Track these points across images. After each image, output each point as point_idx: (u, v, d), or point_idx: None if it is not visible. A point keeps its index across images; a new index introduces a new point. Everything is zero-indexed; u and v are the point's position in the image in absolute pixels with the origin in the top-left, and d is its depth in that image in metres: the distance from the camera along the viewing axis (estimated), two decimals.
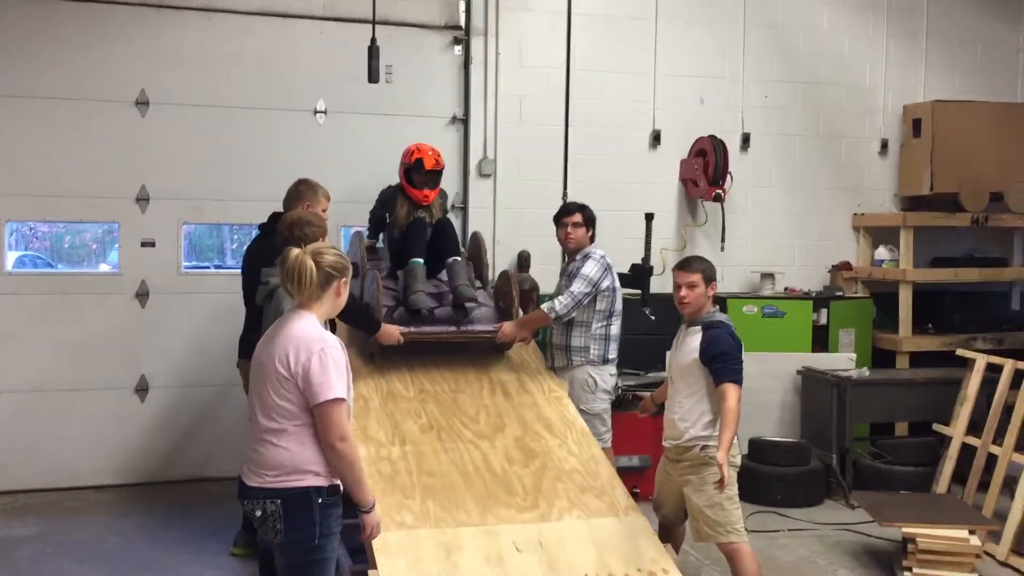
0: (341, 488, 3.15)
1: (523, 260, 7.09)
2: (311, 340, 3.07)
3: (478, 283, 5.58)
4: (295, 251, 3.17)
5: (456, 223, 6.93)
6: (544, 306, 5.19)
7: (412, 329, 5.01)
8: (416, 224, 5.49)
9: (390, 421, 4.64)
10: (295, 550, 3.09)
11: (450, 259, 5.36)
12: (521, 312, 5.35)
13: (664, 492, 4.48)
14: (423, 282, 5.20)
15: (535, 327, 5.37)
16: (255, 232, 5.33)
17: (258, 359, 3.19)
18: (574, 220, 5.36)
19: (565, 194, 7.24)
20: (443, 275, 5.51)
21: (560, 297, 5.16)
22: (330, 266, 3.16)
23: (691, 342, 4.29)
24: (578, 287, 5.12)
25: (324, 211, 5.01)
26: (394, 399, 4.84)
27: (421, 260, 5.27)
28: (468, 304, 5.15)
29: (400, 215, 5.60)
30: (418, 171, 5.52)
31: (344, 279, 3.23)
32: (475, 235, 6.00)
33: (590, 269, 5.18)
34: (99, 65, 6.42)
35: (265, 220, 5.22)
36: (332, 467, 3.11)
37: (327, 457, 3.09)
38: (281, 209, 5.12)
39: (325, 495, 3.08)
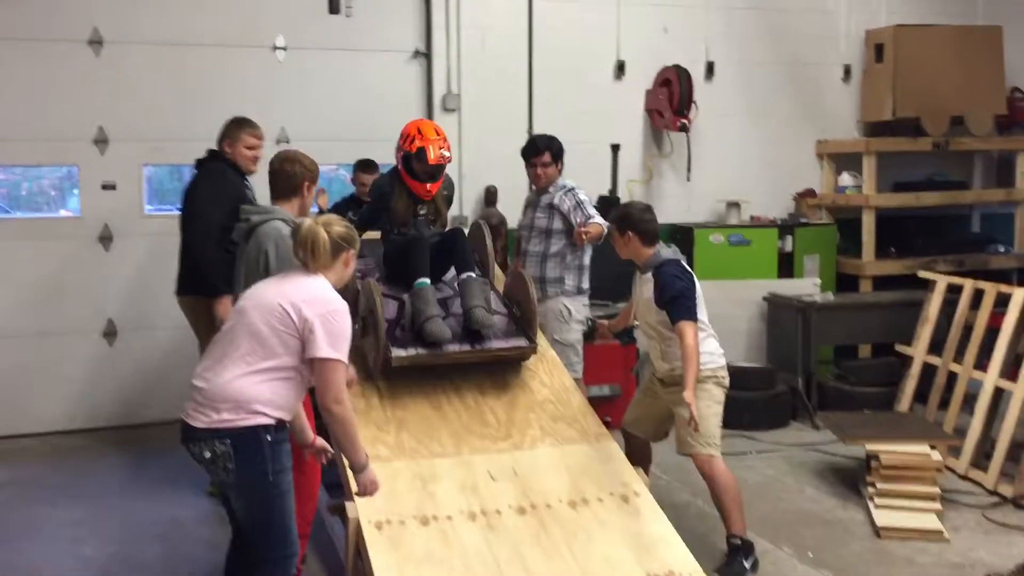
0: (287, 423, 3.19)
1: (490, 195, 7.08)
2: (326, 298, 3.14)
3: (484, 280, 4.79)
4: (308, 222, 3.26)
5: None
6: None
7: (420, 351, 4.32)
8: (416, 240, 4.70)
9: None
10: (250, 489, 3.12)
11: (463, 275, 4.62)
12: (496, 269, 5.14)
13: (648, 411, 4.57)
14: (435, 305, 4.45)
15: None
16: (193, 169, 5.23)
17: (260, 295, 3.18)
18: (543, 160, 5.30)
19: (531, 127, 7.21)
20: (449, 276, 4.84)
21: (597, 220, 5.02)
22: (339, 237, 3.25)
23: (647, 291, 4.37)
24: (595, 211, 5.11)
25: (250, 148, 5.01)
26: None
27: (428, 280, 4.54)
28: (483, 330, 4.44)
29: (398, 208, 4.83)
30: (420, 161, 4.70)
31: (352, 251, 3.31)
32: (477, 224, 5.29)
33: (585, 197, 5.22)
34: (49, 3, 6.23)
35: (203, 156, 5.16)
36: (328, 428, 3.17)
37: (323, 417, 3.14)
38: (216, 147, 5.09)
39: (273, 432, 3.10)
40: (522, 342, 4.48)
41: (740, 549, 4.23)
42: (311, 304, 3.09)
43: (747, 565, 4.22)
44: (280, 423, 3.13)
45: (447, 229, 4.95)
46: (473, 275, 4.60)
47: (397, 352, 4.25)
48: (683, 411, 4.25)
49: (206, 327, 4.88)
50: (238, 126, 5.05)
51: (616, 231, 4.43)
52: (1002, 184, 8.33)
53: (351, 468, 3.29)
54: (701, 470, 4.32)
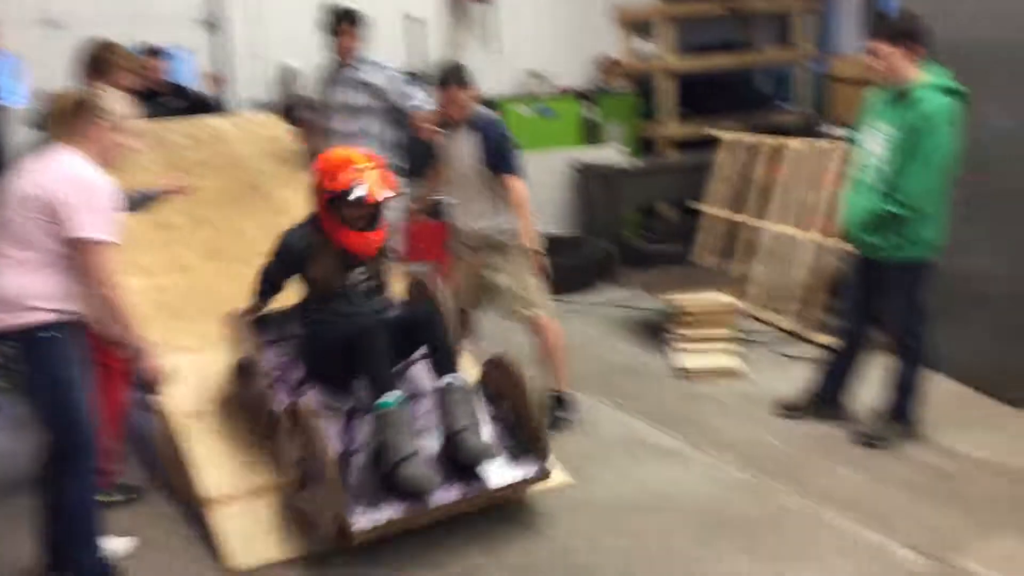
0: (71, 317, 3.02)
1: (289, 75, 6.72)
2: (79, 175, 2.91)
3: (461, 377, 3.48)
4: (63, 90, 3.08)
5: (205, 40, 6.47)
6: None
7: (393, 513, 3.08)
8: (368, 331, 3.37)
9: (166, 250, 4.44)
10: (40, 384, 3.00)
11: (444, 381, 3.41)
12: None
13: (461, 280, 4.58)
14: (412, 436, 3.20)
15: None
16: None
17: (12, 185, 2.97)
18: (353, 31, 5.16)
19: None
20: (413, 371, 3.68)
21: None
22: (88, 104, 2.98)
23: (465, 146, 4.31)
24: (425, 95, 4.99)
25: None
26: (168, 230, 4.61)
27: (396, 397, 3.25)
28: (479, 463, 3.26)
29: (323, 274, 3.51)
30: (352, 204, 3.40)
31: (107, 122, 3.01)
32: (421, 284, 4.03)
33: (401, 76, 5.24)
34: None
35: None
36: (101, 310, 3.01)
37: (95, 298, 2.98)
38: None
39: (56, 328, 2.94)
40: (531, 470, 3.30)
41: (563, 402, 4.45)
42: (63, 182, 2.88)
43: (569, 416, 4.44)
44: (63, 316, 2.96)
45: (402, 303, 3.80)
46: (455, 380, 3.39)
47: (359, 522, 3.01)
48: (502, 278, 4.33)
49: None
50: None
51: (459, 89, 4.27)
52: (782, 43, 8.70)
53: (127, 352, 3.11)
54: (536, 329, 4.43)
